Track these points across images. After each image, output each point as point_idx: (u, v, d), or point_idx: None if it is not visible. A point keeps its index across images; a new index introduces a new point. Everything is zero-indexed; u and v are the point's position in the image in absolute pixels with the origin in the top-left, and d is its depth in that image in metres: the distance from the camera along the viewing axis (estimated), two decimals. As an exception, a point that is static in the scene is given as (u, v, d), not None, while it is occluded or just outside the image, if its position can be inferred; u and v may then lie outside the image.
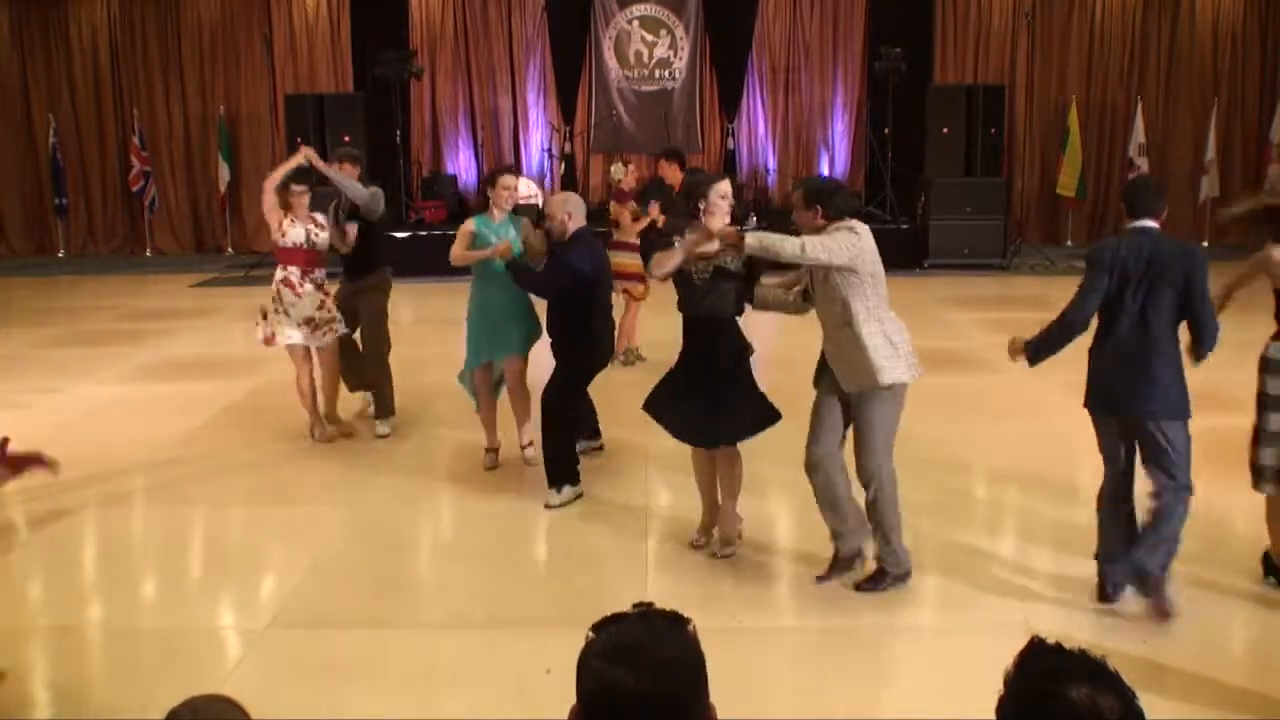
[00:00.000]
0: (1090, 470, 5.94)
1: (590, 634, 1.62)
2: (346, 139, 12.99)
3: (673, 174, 7.96)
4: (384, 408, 6.70)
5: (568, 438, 5.46)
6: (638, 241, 7.83)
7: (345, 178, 6.45)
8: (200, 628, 4.25)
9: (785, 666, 3.81)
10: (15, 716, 3.60)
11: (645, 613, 1.65)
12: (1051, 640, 1.61)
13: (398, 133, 13.78)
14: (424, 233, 13.14)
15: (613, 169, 8.11)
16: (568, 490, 5.41)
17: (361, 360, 6.77)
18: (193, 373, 8.41)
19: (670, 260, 4.40)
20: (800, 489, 5.21)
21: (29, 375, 8.44)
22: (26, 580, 4.78)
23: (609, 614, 1.65)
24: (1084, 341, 4.15)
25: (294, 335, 6.35)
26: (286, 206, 6.34)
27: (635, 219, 7.90)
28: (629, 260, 7.88)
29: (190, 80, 15.29)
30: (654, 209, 7.80)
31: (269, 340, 6.41)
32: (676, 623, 1.63)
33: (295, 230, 6.31)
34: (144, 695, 3.64)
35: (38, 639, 4.23)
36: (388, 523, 5.31)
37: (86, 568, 4.95)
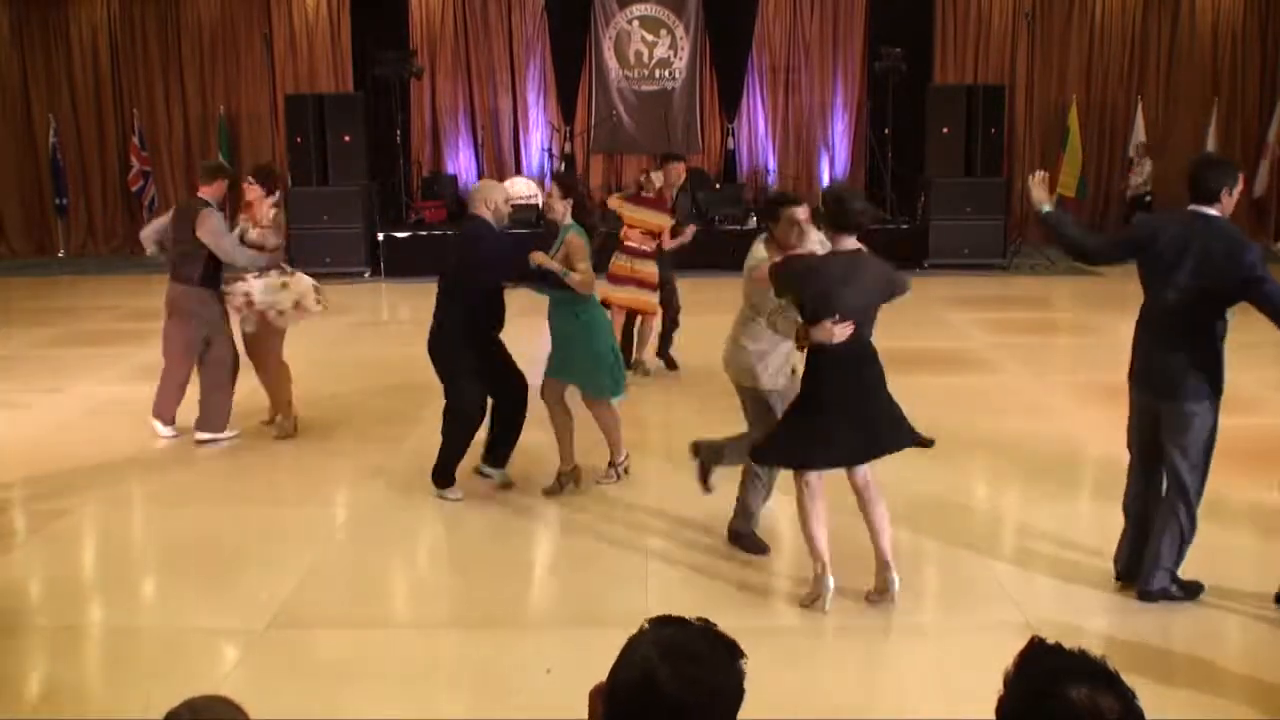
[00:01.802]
0: (1090, 470, 5.97)
1: (646, 624, 1.62)
2: (347, 139, 13.01)
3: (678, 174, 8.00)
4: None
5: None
6: (653, 249, 7.58)
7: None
8: (200, 628, 4.24)
9: (785, 666, 3.81)
10: (16, 716, 3.60)
11: (710, 630, 1.66)
12: (1051, 640, 1.61)
13: (398, 133, 13.77)
14: (424, 233, 13.14)
15: (654, 176, 7.97)
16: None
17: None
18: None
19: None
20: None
21: (29, 375, 8.44)
22: (26, 580, 4.78)
23: (672, 615, 1.65)
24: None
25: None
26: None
27: (675, 233, 7.70)
28: (648, 268, 7.61)
29: (190, 80, 15.28)
30: (689, 231, 7.75)
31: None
32: (735, 652, 1.64)
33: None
34: (144, 695, 3.63)
35: (38, 639, 4.23)
36: (387, 523, 5.31)
37: (86, 568, 4.95)
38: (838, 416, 4.13)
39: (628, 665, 1.58)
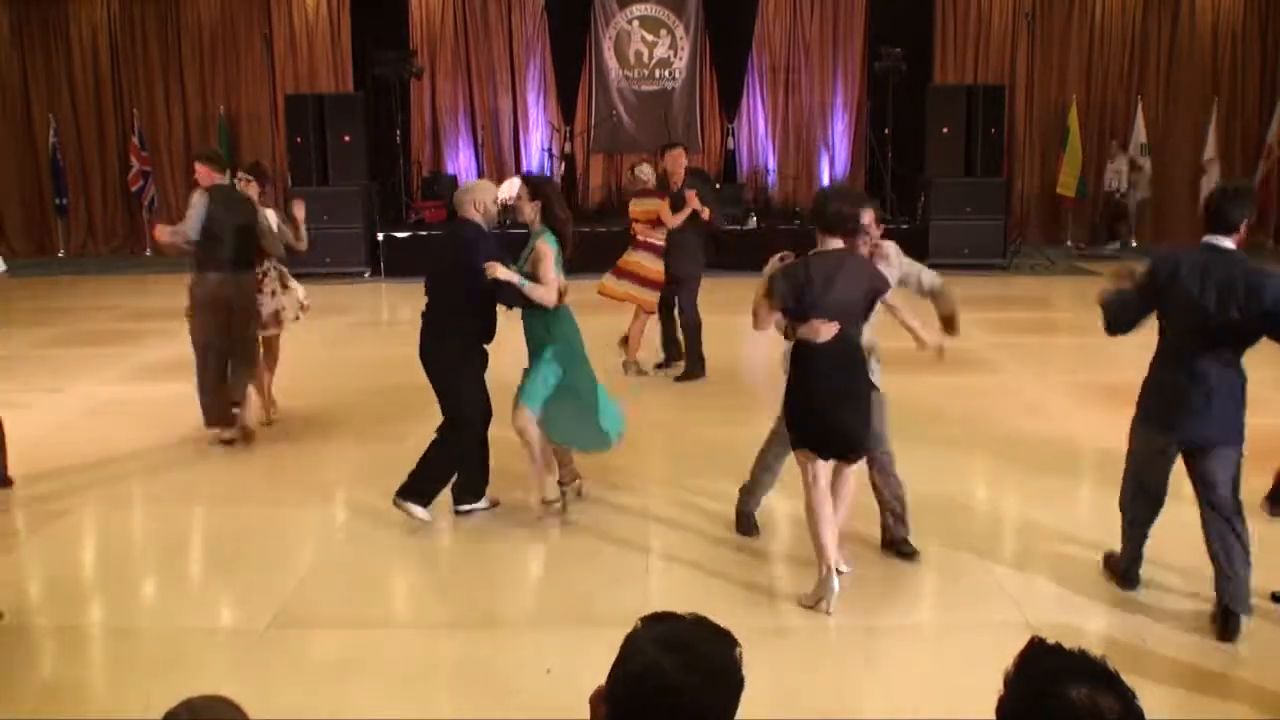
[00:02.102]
0: (1090, 470, 5.96)
1: (640, 623, 1.63)
2: (347, 139, 13.02)
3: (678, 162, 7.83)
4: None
5: None
6: (663, 243, 7.55)
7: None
8: (200, 628, 4.24)
9: (785, 666, 3.81)
10: (16, 717, 3.60)
11: (703, 621, 1.67)
12: (1051, 640, 1.61)
13: (398, 133, 13.78)
14: (424, 232, 13.14)
15: (639, 170, 7.86)
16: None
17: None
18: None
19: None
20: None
21: (29, 375, 8.44)
22: (26, 580, 4.78)
23: (662, 611, 1.67)
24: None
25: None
26: None
27: (675, 211, 7.50)
28: (651, 264, 7.59)
29: (190, 80, 15.29)
30: (692, 197, 7.47)
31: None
32: (729, 640, 1.66)
33: None
34: (144, 695, 3.63)
35: (38, 639, 4.23)
36: (387, 523, 5.30)
37: (86, 568, 4.94)
38: (822, 420, 4.19)
39: (629, 662, 1.58)
